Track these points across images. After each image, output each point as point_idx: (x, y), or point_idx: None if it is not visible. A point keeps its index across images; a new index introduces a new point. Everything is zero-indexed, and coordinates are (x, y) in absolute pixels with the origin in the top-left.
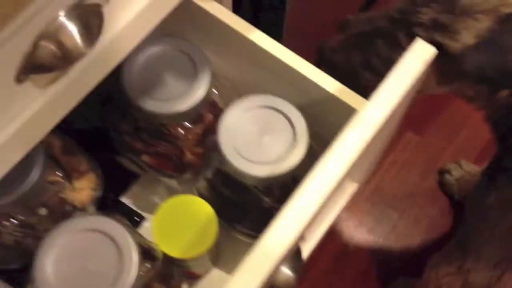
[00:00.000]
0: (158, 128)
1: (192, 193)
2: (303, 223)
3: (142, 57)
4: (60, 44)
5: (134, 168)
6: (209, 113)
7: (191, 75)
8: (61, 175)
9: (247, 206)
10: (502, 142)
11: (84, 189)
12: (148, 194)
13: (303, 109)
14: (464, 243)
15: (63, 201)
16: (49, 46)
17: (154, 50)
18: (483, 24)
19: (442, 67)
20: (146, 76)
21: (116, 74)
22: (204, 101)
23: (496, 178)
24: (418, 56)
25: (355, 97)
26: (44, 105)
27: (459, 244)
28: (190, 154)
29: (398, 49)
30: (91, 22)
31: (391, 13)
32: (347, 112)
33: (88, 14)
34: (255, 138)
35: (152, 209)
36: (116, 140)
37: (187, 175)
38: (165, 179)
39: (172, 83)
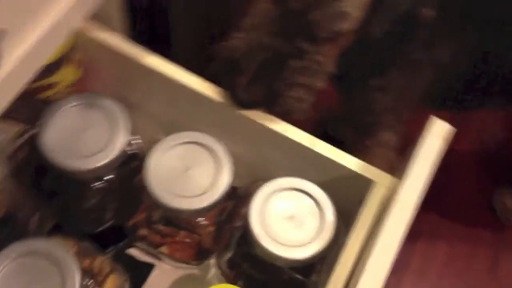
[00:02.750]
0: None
1: (213, 277)
2: None
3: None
4: None
5: (148, 259)
6: None
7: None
8: (91, 281)
9: (272, 282)
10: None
11: None
12: (167, 284)
13: (322, 186)
14: None
15: None
16: None
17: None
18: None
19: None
20: (170, 175)
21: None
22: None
23: None
24: (437, 134)
25: (373, 170)
26: None
27: None
28: (210, 239)
29: (307, 56)
30: None
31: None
32: (364, 184)
33: None
34: (285, 221)
35: None
36: (131, 235)
37: (207, 260)
38: (184, 267)
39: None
